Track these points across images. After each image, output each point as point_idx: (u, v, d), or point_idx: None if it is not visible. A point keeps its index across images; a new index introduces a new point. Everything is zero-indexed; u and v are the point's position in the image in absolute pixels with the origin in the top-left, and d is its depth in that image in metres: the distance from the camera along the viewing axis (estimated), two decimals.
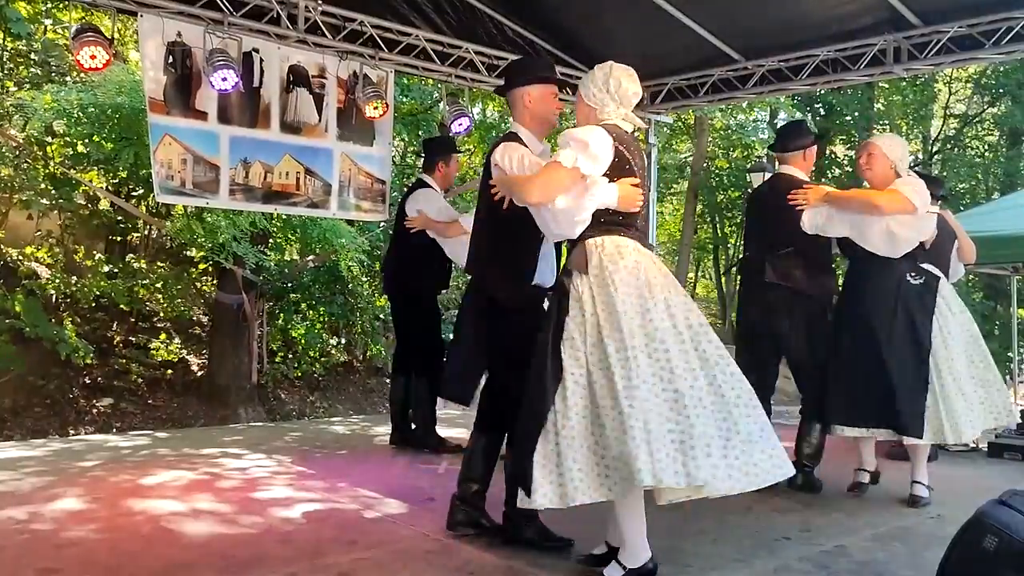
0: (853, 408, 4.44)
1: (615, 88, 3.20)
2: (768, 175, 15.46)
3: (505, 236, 3.43)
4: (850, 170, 17.92)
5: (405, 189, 12.20)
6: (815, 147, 4.83)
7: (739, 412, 2.93)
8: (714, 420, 2.88)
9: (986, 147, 20.69)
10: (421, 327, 5.57)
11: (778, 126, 21.28)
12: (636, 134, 3.34)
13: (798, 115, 17.59)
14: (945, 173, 18.50)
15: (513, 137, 3.49)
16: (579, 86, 3.32)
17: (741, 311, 5.02)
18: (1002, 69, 17.14)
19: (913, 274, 4.44)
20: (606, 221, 3.09)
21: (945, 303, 4.57)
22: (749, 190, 19.04)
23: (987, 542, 2.63)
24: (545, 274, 3.50)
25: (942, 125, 21.29)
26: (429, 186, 5.52)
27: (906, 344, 4.35)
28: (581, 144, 3.02)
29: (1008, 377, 14.87)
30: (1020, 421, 6.38)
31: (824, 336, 4.61)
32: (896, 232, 4.30)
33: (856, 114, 18.07)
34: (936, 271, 4.63)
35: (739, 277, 5.32)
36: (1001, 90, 18.53)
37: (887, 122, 19.76)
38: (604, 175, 3.06)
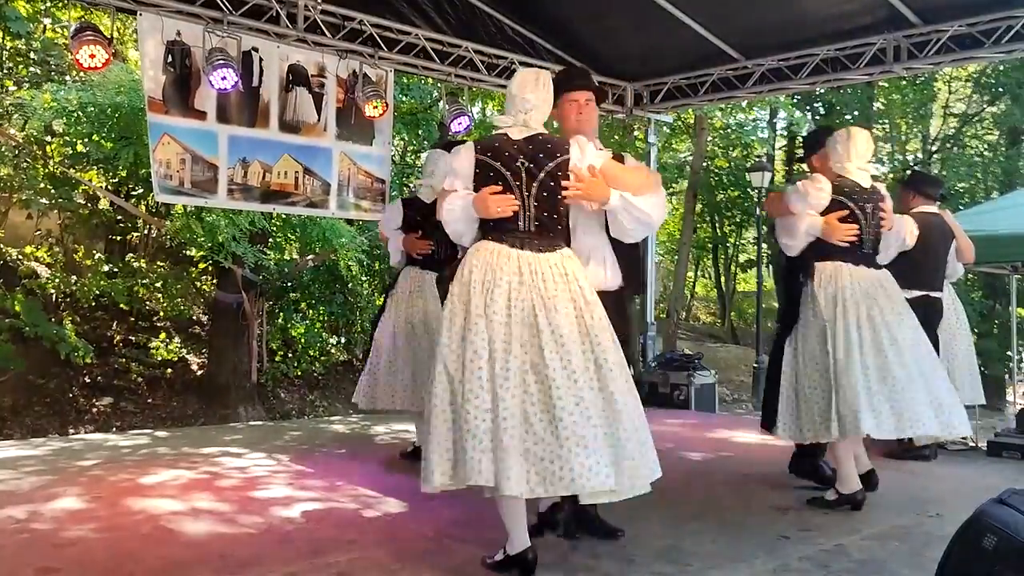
0: None
1: (509, 97, 3.31)
2: (767, 175, 15.46)
3: None
4: None
5: (406, 189, 12.28)
6: (822, 148, 4.79)
7: (558, 421, 2.90)
8: (521, 427, 2.90)
9: (986, 146, 20.69)
10: None
11: (775, 126, 21.31)
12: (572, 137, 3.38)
13: (797, 114, 17.59)
14: (945, 172, 18.49)
15: None
16: None
17: None
18: (1002, 68, 17.13)
19: (802, 276, 4.35)
20: (482, 228, 3.23)
21: (811, 309, 4.28)
22: (749, 189, 19.09)
23: (987, 541, 2.63)
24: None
25: (942, 124, 21.29)
26: None
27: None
28: (448, 163, 3.35)
29: (1008, 376, 14.89)
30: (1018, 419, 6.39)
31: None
32: (779, 235, 4.36)
33: (856, 113, 18.07)
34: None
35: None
36: (1000, 89, 18.53)
37: (887, 121, 19.77)
38: (474, 185, 3.20)
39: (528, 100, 3.23)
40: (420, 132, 13.08)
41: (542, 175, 3.18)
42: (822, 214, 4.17)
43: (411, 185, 12.62)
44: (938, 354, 5.49)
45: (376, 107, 6.24)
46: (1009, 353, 12.55)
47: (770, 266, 22.77)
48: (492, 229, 3.18)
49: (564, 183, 3.18)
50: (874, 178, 4.43)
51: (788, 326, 4.37)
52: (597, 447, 2.89)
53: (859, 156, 4.29)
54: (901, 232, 4.58)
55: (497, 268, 3.10)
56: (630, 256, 3.78)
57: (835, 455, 4.28)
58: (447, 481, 2.96)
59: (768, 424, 4.41)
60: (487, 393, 2.92)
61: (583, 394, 2.95)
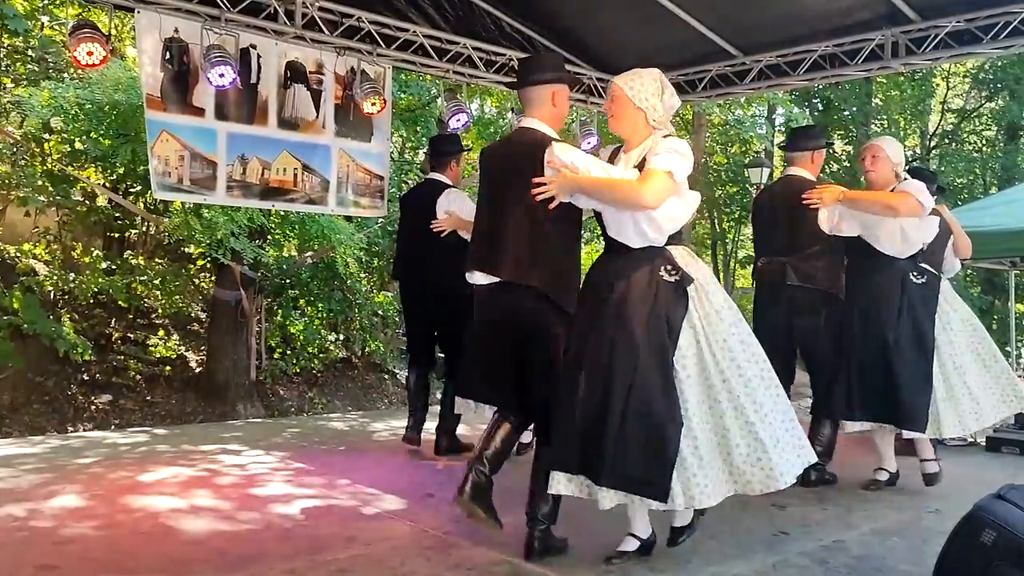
0: (857, 402, 4.56)
1: (665, 104, 3.28)
2: (766, 171, 15.48)
3: (558, 238, 3.38)
4: (848, 165, 17.90)
5: (405, 186, 12.27)
6: (824, 150, 4.96)
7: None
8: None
9: (984, 142, 20.71)
10: (457, 327, 5.07)
11: (774, 122, 21.30)
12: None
13: (796, 110, 17.60)
14: (943, 168, 18.52)
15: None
16: (623, 88, 3.27)
17: (760, 314, 4.97)
18: (1000, 64, 17.16)
19: (915, 274, 4.58)
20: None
21: (946, 301, 4.76)
22: (748, 185, 19.09)
23: (985, 536, 2.64)
24: None
25: (940, 120, 21.31)
26: (450, 185, 5.36)
27: (910, 342, 4.48)
28: (682, 156, 3.16)
29: None
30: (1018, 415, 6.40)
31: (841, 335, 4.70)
32: (909, 233, 4.50)
33: (854, 109, 18.09)
34: (935, 271, 4.82)
35: (753, 281, 5.31)
36: (999, 85, 18.55)
37: (885, 117, 19.77)
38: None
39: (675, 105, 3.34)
40: (419, 129, 13.06)
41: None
42: None
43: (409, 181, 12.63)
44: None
45: (374, 104, 6.23)
46: (1008, 348, 12.54)
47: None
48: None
49: None
50: None
51: (928, 325, 4.59)
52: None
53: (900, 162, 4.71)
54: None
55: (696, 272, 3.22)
56: None
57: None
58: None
59: (919, 425, 4.53)
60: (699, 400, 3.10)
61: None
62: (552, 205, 3.21)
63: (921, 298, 4.53)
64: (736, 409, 3.07)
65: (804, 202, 4.52)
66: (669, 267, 3.13)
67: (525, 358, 3.34)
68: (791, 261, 4.66)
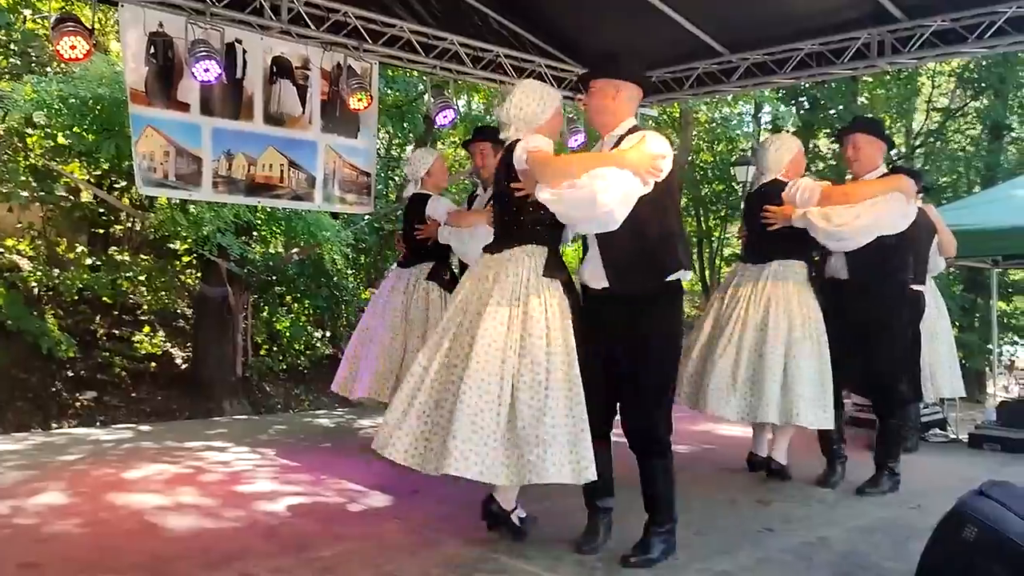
0: None
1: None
2: (752, 169, 15.53)
3: None
4: (834, 163, 17.98)
5: (392, 182, 12.20)
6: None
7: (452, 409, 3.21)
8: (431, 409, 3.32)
9: (968, 141, 20.82)
10: None
11: (760, 120, 21.37)
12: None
13: (782, 108, 17.65)
14: (928, 167, 18.61)
15: None
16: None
17: None
18: (984, 63, 17.23)
19: None
20: None
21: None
22: (734, 183, 19.13)
23: (967, 532, 2.67)
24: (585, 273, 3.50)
25: (925, 119, 21.40)
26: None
27: None
28: None
29: (988, 369, 15.02)
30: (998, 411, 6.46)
31: None
32: None
33: (840, 108, 18.14)
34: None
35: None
36: (983, 84, 18.64)
37: (871, 116, 19.81)
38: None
39: (502, 114, 3.50)
40: (405, 125, 13.03)
41: (501, 181, 3.51)
42: None
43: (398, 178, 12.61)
44: (920, 347, 5.55)
45: (361, 100, 6.21)
46: (990, 346, 12.64)
47: None
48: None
49: (513, 184, 3.40)
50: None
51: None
52: (469, 436, 3.13)
53: (760, 163, 4.77)
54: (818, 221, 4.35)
55: (481, 276, 3.44)
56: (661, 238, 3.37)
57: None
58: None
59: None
60: (419, 379, 3.39)
61: (476, 385, 3.18)
62: None
63: None
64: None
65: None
66: None
67: None
68: None
